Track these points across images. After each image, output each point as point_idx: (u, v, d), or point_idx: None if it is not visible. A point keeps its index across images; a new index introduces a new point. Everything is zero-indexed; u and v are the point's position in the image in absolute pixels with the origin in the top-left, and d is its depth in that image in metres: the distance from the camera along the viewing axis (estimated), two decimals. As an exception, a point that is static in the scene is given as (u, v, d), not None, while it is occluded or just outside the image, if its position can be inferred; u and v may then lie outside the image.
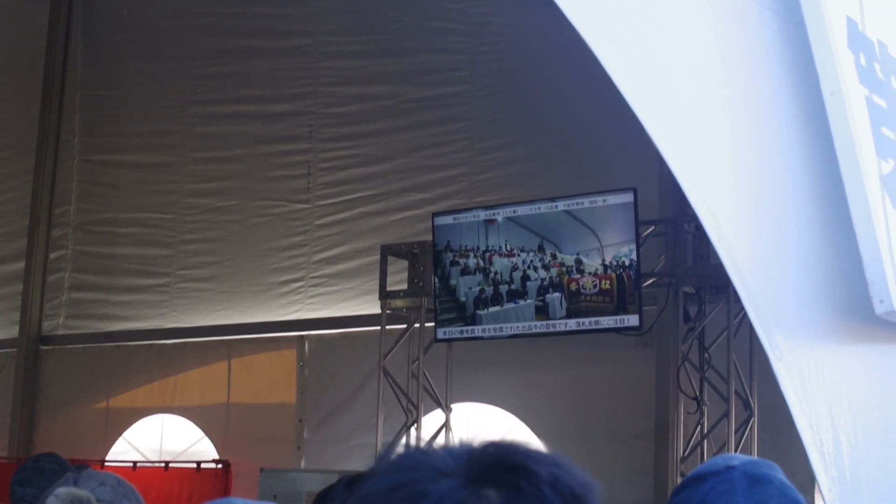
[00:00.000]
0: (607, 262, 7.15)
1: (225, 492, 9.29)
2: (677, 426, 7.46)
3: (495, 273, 7.56)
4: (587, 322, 7.23)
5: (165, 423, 10.43)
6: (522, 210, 7.52)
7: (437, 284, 7.81)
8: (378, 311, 8.32)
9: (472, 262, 7.65)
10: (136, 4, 11.24)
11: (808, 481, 3.48)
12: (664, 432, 7.55)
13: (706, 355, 7.29)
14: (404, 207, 9.27)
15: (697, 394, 7.30)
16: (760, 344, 2.83)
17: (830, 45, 3.13)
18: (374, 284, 8.45)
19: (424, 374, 8.15)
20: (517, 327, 7.48)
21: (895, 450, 3.24)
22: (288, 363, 9.77)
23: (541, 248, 7.42)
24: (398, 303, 8.26)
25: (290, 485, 8.35)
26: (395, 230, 9.11)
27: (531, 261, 7.44)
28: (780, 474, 2.25)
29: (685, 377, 7.37)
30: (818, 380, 2.93)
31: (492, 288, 7.56)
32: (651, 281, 7.44)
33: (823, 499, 2.91)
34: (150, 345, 10.54)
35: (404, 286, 8.24)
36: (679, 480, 6.24)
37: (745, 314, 2.94)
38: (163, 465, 9.94)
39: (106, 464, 9.93)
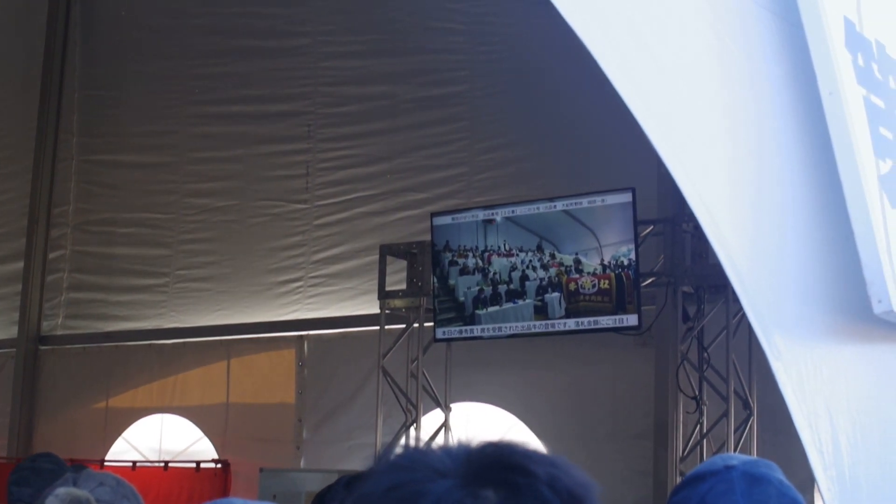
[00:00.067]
0: (606, 262, 7.15)
1: (224, 492, 9.29)
2: (676, 426, 7.47)
3: (494, 273, 7.56)
4: (586, 322, 7.23)
5: (165, 422, 10.44)
6: (521, 210, 7.53)
7: (436, 284, 7.81)
8: (377, 310, 8.32)
9: (470, 261, 7.66)
10: (134, 4, 11.24)
11: (807, 481, 3.48)
12: (663, 432, 7.55)
13: (705, 355, 7.29)
14: (403, 207, 9.27)
15: (696, 393, 7.31)
16: (759, 343, 2.83)
17: (828, 45, 3.13)
18: (373, 284, 8.45)
19: (423, 373, 8.15)
20: (516, 327, 7.49)
21: (894, 449, 3.24)
22: (287, 363, 9.77)
23: (539, 248, 7.42)
24: (397, 303, 8.26)
25: (290, 485, 8.35)
26: (394, 230, 9.11)
27: (530, 261, 7.44)
28: (779, 474, 2.25)
29: (684, 377, 7.37)
30: (817, 379, 2.93)
31: (491, 288, 7.56)
32: (650, 280, 7.44)
33: (822, 498, 2.91)
34: (150, 345, 10.54)
35: (403, 286, 8.24)
36: (678, 480, 6.25)
37: (744, 314, 2.94)
38: (162, 465, 9.95)
39: (105, 464, 9.93)
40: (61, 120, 11.51)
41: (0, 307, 11.63)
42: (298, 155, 9.95)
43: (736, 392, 7.11)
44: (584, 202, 7.28)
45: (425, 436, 8.10)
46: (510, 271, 7.51)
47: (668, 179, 2.83)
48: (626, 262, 7.08)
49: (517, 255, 7.49)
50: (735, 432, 7.02)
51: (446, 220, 7.83)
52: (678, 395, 7.44)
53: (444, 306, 7.76)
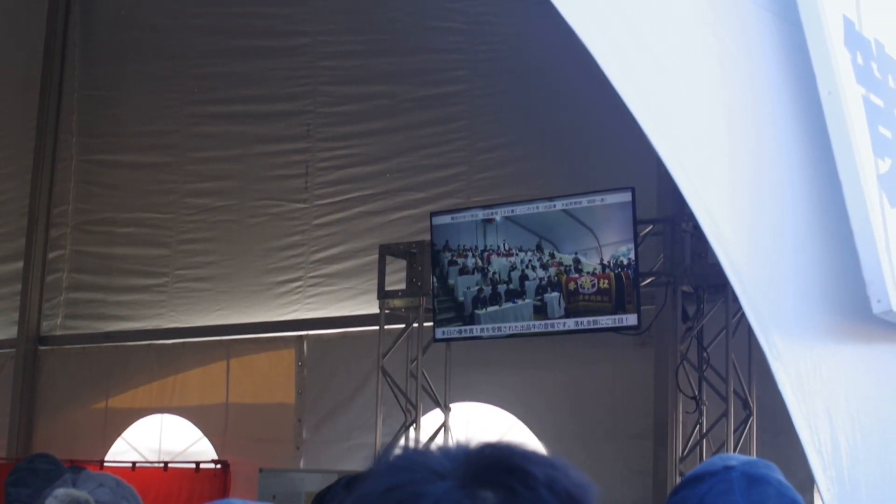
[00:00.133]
0: (605, 262, 7.15)
1: (224, 492, 9.29)
2: (676, 426, 7.47)
3: (494, 273, 7.56)
4: (585, 321, 7.23)
5: (164, 423, 10.43)
6: (521, 209, 7.52)
7: (436, 284, 7.81)
8: (376, 310, 8.32)
9: (470, 261, 7.65)
10: (134, 4, 11.23)
11: (806, 481, 3.48)
12: (663, 432, 7.55)
13: (705, 354, 7.28)
14: (402, 207, 9.27)
15: (696, 393, 7.30)
16: (759, 343, 2.83)
17: (827, 44, 3.13)
18: (373, 284, 8.45)
19: (423, 373, 8.15)
20: (516, 327, 7.48)
21: (893, 449, 3.24)
22: (286, 363, 9.77)
23: (539, 248, 7.42)
24: (396, 302, 8.26)
25: (290, 485, 8.35)
26: (394, 230, 9.11)
27: (529, 260, 7.44)
28: (778, 474, 2.25)
29: (684, 376, 7.37)
30: (816, 379, 2.93)
31: (490, 287, 7.56)
32: (649, 280, 7.44)
33: (822, 498, 2.91)
34: (149, 345, 10.54)
35: (403, 286, 8.24)
36: (678, 480, 6.25)
37: (744, 313, 2.94)
38: (162, 465, 9.94)
39: (105, 464, 9.94)
40: (61, 120, 11.51)
41: (-1, 307, 11.65)
42: (298, 154, 9.95)
43: (735, 392, 7.11)
44: (584, 202, 7.27)
45: (425, 436, 8.10)
46: (510, 271, 7.51)
47: (668, 179, 2.83)
48: (625, 262, 7.07)
49: (516, 254, 7.49)
50: (734, 432, 7.02)
51: (446, 219, 7.83)
52: (678, 395, 7.44)
53: (443, 306, 7.76)
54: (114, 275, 10.93)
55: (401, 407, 8.20)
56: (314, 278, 9.72)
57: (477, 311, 7.60)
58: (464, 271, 7.67)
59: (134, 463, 10.03)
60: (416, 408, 8.18)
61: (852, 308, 3.07)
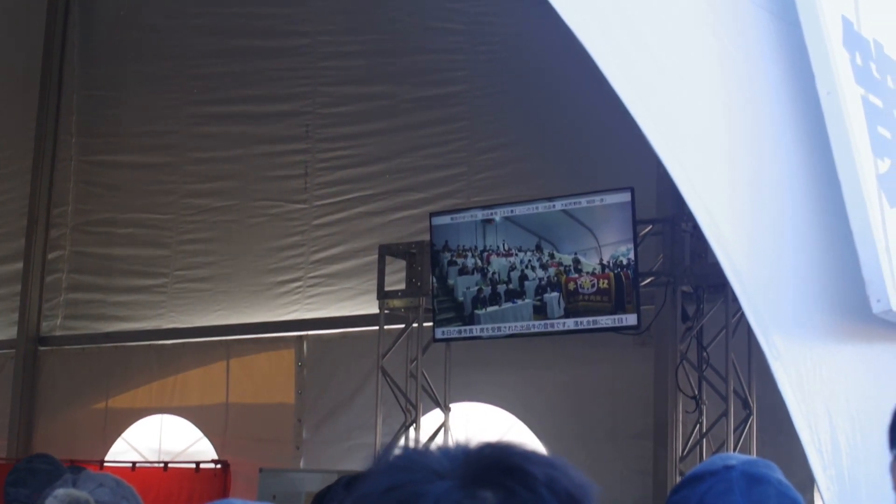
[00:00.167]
0: (605, 262, 7.15)
1: (224, 492, 9.29)
2: (676, 425, 7.46)
3: (493, 273, 7.56)
4: (585, 321, 7.23)
5: (164, 423, 10.43)
6: (520, 210, 7.52)
7: (435, 284, 7.81)
8: (376, 310, 8.32)
9: (469, 261, 7.66)
10: (133, 5, 11.23)
11: (806, 480, 3.48)
12: (663, 431, 7.55)
13: (704, 354, 7.29)
14: (402, 207, 9.27)
15: (696, 393, 7.30)
16: (759, 343, 2.83)
17: (826, 44, 3.13)
18: (372, 284, 8.45)
19: (423, 373, 8.15)
20: (515, 327, 7.49)
21: (893, 449, 3.23)
22: (286, 363, 9.77)
23: (538, 248, 7.42)
24: (396, 303, 8.26)
25: (289, 485, 8.35)
26: (393, 230, 9.11)
27: (529, 260, 7.44)
28: (778, 474, 2.25)
29: (683, 376, 7.37)
30: (816, 379, 2.93)
31: (490, 287, 7.56)
32: (649, 280, 7.44)
33: (822, 498, 2.91)
34: (149, 345, 10.54)
35: (402, 286, 8.24)
36: (678, 480, 6.24)
37: (744, 313, 2.94)
38: (162, 465, 9.95)
39: (105, 464, 9.94)
40: (60, 120, 11.51)
41: (-1, 308, 11.65)
42: (297, 155, 9.95)
43: (735, 392, 7.11)
44: (583, 202, 7.28)
45: (425, 436, 8.10)
46: (509, 271, 7.51)
47: (667, 179, 2.84)
48: (625, 262, 7.07)
49: (516, 254, 7.49)
50: (734, 432, 7.02)
51: (445, 219, 7.83)
52: (677, 395, 7.44)
53: (443, 306, 7.76)
54: (114, 275, 10.93)
55: (401, 407, 8.21)
56: (314, 278, 9.72)
57: (476, 312, 7.60)
58: (463, 271, 7.67)
59: (134, 463, 10.03)
60: (415, 408, 8.17)
61: (852, 308, 3.07)
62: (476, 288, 7.61)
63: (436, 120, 9.29)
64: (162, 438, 10.40)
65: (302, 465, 9.33)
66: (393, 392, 8.19)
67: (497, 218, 7.58)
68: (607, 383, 8.13)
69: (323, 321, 9.56)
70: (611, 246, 7.13)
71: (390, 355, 8.23)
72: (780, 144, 3.20)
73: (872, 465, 3.13)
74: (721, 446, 6.94)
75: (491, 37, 9.12)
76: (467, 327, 7.67)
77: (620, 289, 7.08)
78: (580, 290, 7.23)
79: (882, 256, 3.04)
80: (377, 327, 8.27)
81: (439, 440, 7.75)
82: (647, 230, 7.42)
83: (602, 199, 7.20)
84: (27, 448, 10.56)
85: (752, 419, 7.07)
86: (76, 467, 4.68)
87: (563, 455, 1.30)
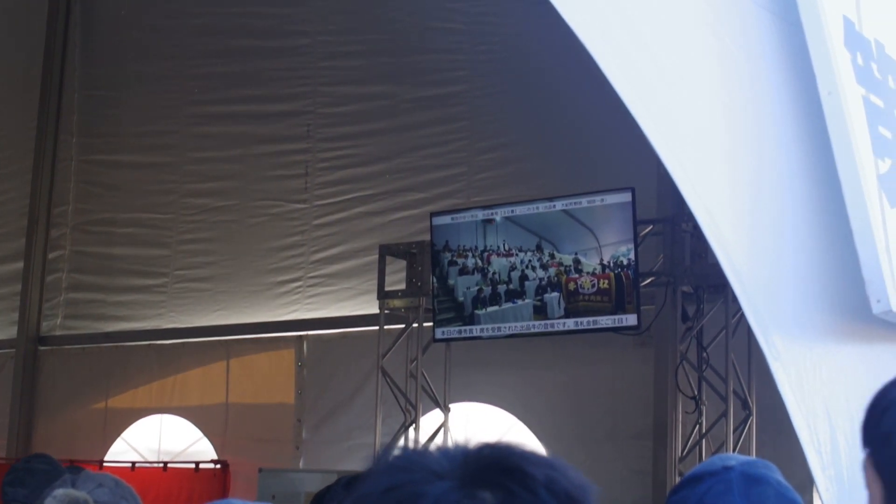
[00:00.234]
0: (605, 262, 7.15)
1: (224, 492, 9.29)
2: (676, 426, 7.47)
3: (493, 273, 7.56)
4: (585, 322, 7.23)
5: (164, 423, 10.43)
6: (520, 210, 7.52)
7: (436, 284, 7.81)
8: (376, 310, 8.32)
9: (470, 261, 7.65)
10: (134, 5, 11.23)
11: (806, 481, 3.48)
12: (662, 432, 7.55)
13: (704, 354, 7.29)
14: (402, 207, 9.27)
15: (696, 393, 7.30)
16: (759, 343, 2.83)
17: (827, 44, 3.13)
18: (373, 284, 8.45)
19: (423, 373, 8.15)
20: (515, 327, 7.48)
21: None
22: (286, 363, 9.77)
23: (539, 248, 7.42)
24: (396, 303, 8.26)
25: (289, 485, 8.35)
26: (393, 230, 9.11)
27: (529, 260, 7.44)
28: (777, 475, 2.25)
29: (683, 376, 7.37)
30: (815, 379, 2.93)
31: (490, 288, 7.56)
32: (649, 280, 7.44)
33: (821, 498, 2.91)
34: (149, 345, 10.54)
35: (402, 286, 8.24)
36: (677, 480, 6.24)
37: (744, 313, 2.94)
38: (161, 465, 9.95)
39: (104, 464, 9.93)
40: (61, 120, 11.51)
41: (-1, 307, 11.65)
42: (297, 155, 9.95)
43: (735, 392, 7.11)
44: (584, 202, 7.28)
45: (424, 436, 8.11)
46: (509, 271, 7.51)
47: (668, 179, 2.83)
48: (625, 262, 7.07)
49: (516, 254, 7.49)
50: (734, 432, 7.02)
51: (445, 219, 7.83)
52: (677, 395, 7.44)
53: (443, 306, 7.76)
54: (114, 275, 10.93)
55: (400, 407, 8.20)
56: (314, 278, 9.72)
57: (477, 312, 7.60)
58: (464, 271, 7.67)
59: (133, 463, 10.03)
60: (415, 408, 8.18)
61: (852, 308, 3.07)
62: (476, 288, 7.61)
63: (436, 120, 9.29)
64: (161, 438, 10.40)
65: (301, 465, 9.33)
66: (393, 392, 8.19)
67: (497, 218, 7.58)
68: (607, 383, 8.13)
69: (323, 321, 9.56)
70: (611, 246, 7.13)
71: (390, 355, 8.23)
72: (781, 144, 3.20)
73: (872, 465, 3.12)
74: (720, 447, 6.94)
75: (491, 37, 9.12)
76: (467, 327, 7.67)
77: (621, 289, 7.08)
78: (580, 291, 7.23)
79: (882, 257, 3.04)
80: (377, 327, 8.27)
81: (439, 440, 7.75)
82: (647, 230, 7.42)
83: (602, 200, 7.20)
84: (27, 448, 10.56)
85: (752, 420, 7.07)
86: (75, 467, 4.69)
87: (562, 455, 1.29)
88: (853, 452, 2.97)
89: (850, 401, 3.05)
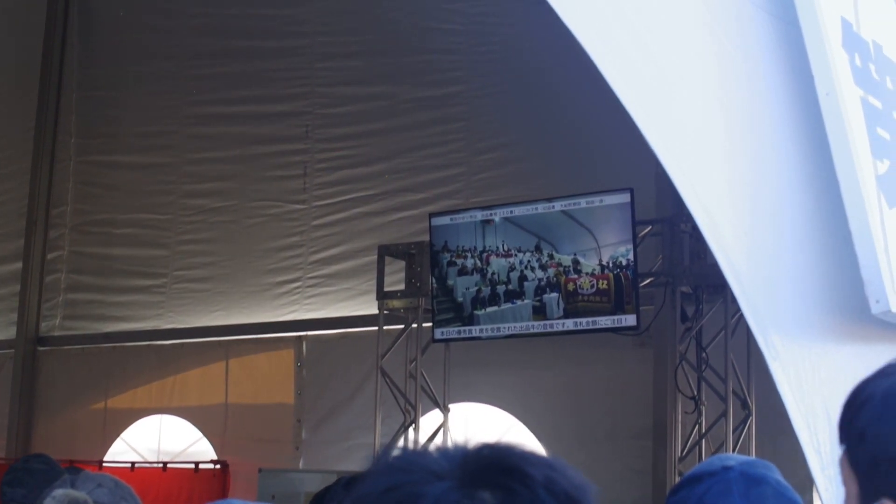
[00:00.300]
0: (604, 262, 7.15)
1: (223, 492, 9.29)
2: (675, 426, 7.47)
3: (493, 273, 7.56)
4: (584, 322, 7.23)
5: (163, 423, 10.43)
6: (519, 210, 7.53)
7: (435, 285, 7.81)
8: (375, 311, 8.32)
9: (469, 262, 7.66)
10: (132, 5, 11.23)
11: (805, 481, 3.48)
12: (662, 432, 7.55)
13: (704, 355, 7.29)
14: (401, 208, 9.27)
15: (695, 393, 7.31)
16: (758, 343, 2.83)
17: (825, 45, 3.13)
18: (372, 285, 8.45)
19: (422, 374, 8.15)
20: (515, 327, 7.49)
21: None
22: (286, 363, 9.77)
23: (538, 249, 7.42)
24: (395, 303, 8.26)
25: (289, 485, 8.35)
26: (392, 230, 9.11)
27: (528, 261, 7.44)
28: (776, 475, 2.25)
29: (683, 377, 7.37)
30: (814, 379, 2.93)
31: (489, 288, 7.56)
32: (648, 281, 7.44)
33: (821, 498, 2.91)
34: (148, 345, 10.54)
35: (402, 286, 8.24)
36: (677, 480, 6.24)
37: (743, 313, 2.94)
38: (161, 465, 9.95)
39: (104, 464, 9.94)
40: (59, 121, 11.51)
41: (-2, 308, 11.65)
42: (296, 155, 9.95)
43: (734, 392, 7.11)
44: (583, 202, 7.28)
45: (424, 436, 8.11)
46: (508, 272, 7.51)
47: (666, 180, 2.84)
48: (624, 263, 7.08)
49: (515, 255, 7.49)
50: (734, 432, 7.02)
51: (445, 220, 7.83)
52: (677, 396, 7.44)
53: (442, 307, 7.76)
54: (112, 276, 10.93)
55: (400, 407, 8.21)
56: (313, 279, 9.72)
57: (476, 312, 7.60)
58: (463, 272, 7.67)
59: (133, 463, 10.03)
60: (415, 408, 8.18)
61: (851, 308, 3.07)
62: (475, 288, 7.61)
63: (435, 120, 9.29)
64: (161, 439, 10.40)
65: (301, 465, 9.33)
66: (392, 392, 8.19)
67: (496, 218, 7.59)
68: (606, 384, 8.13)
69: (322, 321, 9.56)
70: (610, 246, 7.14)
71: (389, 356, 8.23)
72: (779, 145, 3.20)
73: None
74: (720, 447, 6.95)
75: (490, 37, 9.12)
76: (466, 328, 7.67)
77: (620, 289, 7.09)
78: (579, 291, 7.23)
79: (881, 257, 3.04)
80: (376, 328, 8.27)
81: (438, 441, 7.75)
82: (646, 231, 7.42)
83: (601, 200, 7.20)
84: (26, 448, 10.56)
85: (751, 420, 7.07)
86: (74, 468, 4.69)
87: (562, 455, 1.30)
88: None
89: (848, 401, 3.04)
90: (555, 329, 7.35)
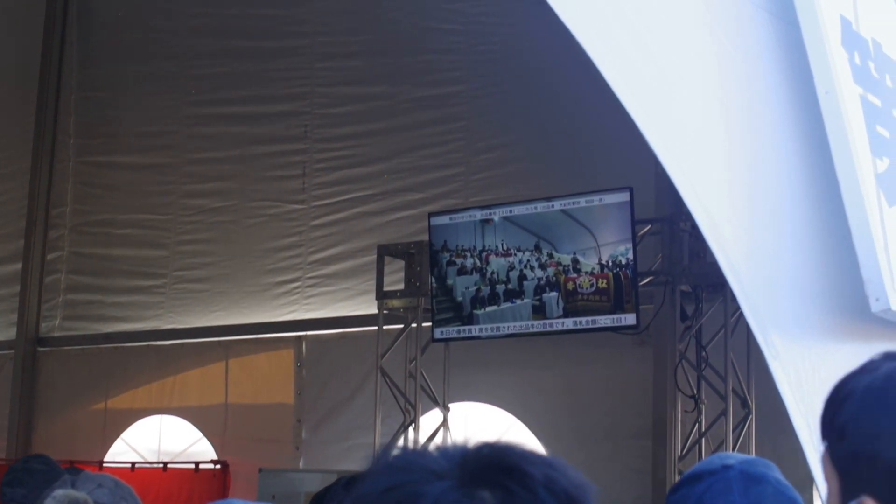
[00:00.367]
0: (604, 262, 7.15)
1: (223, 492, 9.29)
2: (675, 425, 7.46)
3: (492, 273, 7.56)
4: (584, 321, 7.23)
5: (164, 423, 10.43)
6: (519, 210, 7.53)
7: (434, 284, 7.81)
8: (375, 311, 8.32)
9: (468, 261, 7.66)
10: (131, 6, 11.23)
11: (805, 479, 3.48)
12: (662, 431, 7.55)
13: (703, 353, 7.29)
14: (400, 207, 9.27)
15: (695, 392, 7.31)
16: (758, 342, 2.83)
17: (824, 43, 3.13)
18: (371, 284, 8.45)
19: (422, 373, 8.16)
20: (514, 327, 7.49)
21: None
22: (285, 363, 9.77)
23: (537, 248, 7.42)
24: (395, 303, 8.26)
25: (289, 485, 8.35)
26: (392, 230, 9.11)
27: (528, 260, 7.44)
28: (776, 473, 2.25)
29: (682, 376, 7.37)
30: (814, 378, 2.93)
31: (489, 287, 7.56)
32: (648, 280, 7.44)
33: (820, 497, 2.91)
34: (148, 346, 10.54)
35: (401, 286, 8.24)
36: (677, 479, 6.24)
37: (742, 312, 2.94)
38: (161, 465, 9.95)
39: (104, 465, 9.94)
40: (59, 121, 11.51)
41: (-2, 309, 11.65)
42: (295, 155, 9.95)
43: (734, 391, 7.11)
44: (582, 202, 7.28)
45: (424, 436, 8.11)
46: (508, 271, 7.51)
47: (666, 178, 2.84)
48: (623, 262, 7.08)
49: (515, 254, 7.49)
50: (734, 431, 7.02)
51: (444, 220, 7.83)
52: (676, 394, 7.44)
53: (441, 306, 7.76)
54: (112, 276, 10.92)
55: (399, 407, 8.21)
56: (312, 279, 9.72)
57: (475, 311, 7.60)
58: (462, 271, 7.67)
59: (133, 463, 10.03)
60: (414, 408, 8.18)
61: (851, 307, 3.07)
62: (475, 288, 7.61)
63: (434, 120, 9.29)
64: (161, 439, 10.40)
65: (301, 465, 9.33)
66: (392, 392, 8.19)
67: (496, 218, 7.58)
68: (606, 383, 8.13)
69: (322, 321, 9.56)
70: (609, 245, 7.14)
71: (389, 355, 8.23)
72: (779, 144, 3.20)
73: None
74: (720, 445, 6.95)
75: (489, 37, 9.12)
76: (466, 327, 7.67)
77: (619, 288, 7.09)
78: (579, 290, 7.23)
79: (881, 255, 3.04)
80: (376, 327, 8.27)
81: (438, 440, 7.75)
82: (645, 230, 7.42)
83: (601, 199, 7.20)
84: (26, 449, 10.56)
85: (751, 418, 7.07)
86: (74, 468, 4.69)
87: (561, 455, 1.30)
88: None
89: (848, 399, 3.04)
90: (554, 328, 7.35)
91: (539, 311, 7.37)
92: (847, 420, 1.52)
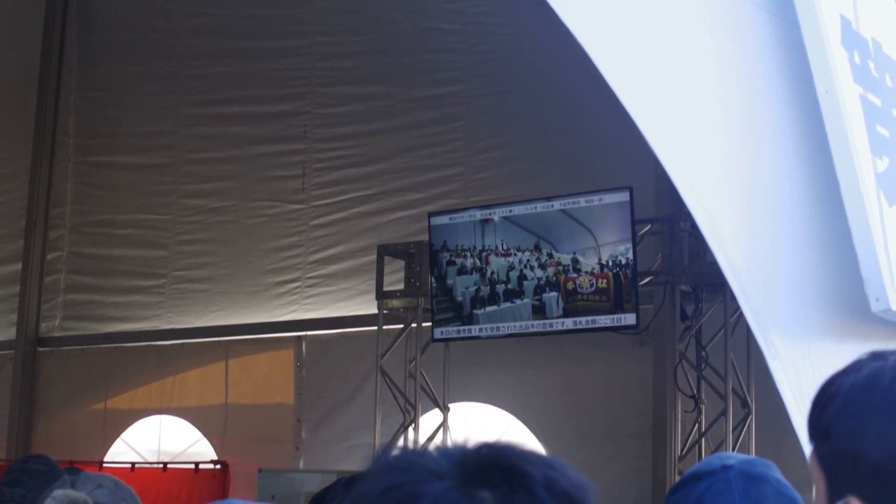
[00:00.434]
0: (604, 261, 7.15)
1: (223, 493, 9.29)
2: (675, 425, 7.46)
3: (492, 272, 7.56)
4: (584, 321, 7.23)
5: (163, 424, 10.43)
6: (518, 209, 7.52)
7: (434, 284, 7.81)
8: (375, 311, 8.32)
9: (468, 261, 7.66)
10: (131, 6, 11.23)
11: (806, 479, 3.47)
12: (662, 431, 7.55)
13: (703, 353, 7.29)
14: (400, 207, 9.27)
15: (695, 392, 7.30)
16: (757, 342, 2.83)
17: (824, 43, 3.13)
18: (371, 284, 8.45)
19: (422, 373, 8.16)
20: (514, 327, 7.49)
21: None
22: (285, 364, 9.77)
23: (537, 248, 7.42)
24: (395, 303, 8.26)
25: (289, 485, 8.35)
26: (392, 230, 9.11)
27: (528, 260, 7.44)
28: (776, 473, 2.25)
29: (682, 375, 7.37)
30: (814, 378, 2.92)
31: (488, 287, 7.56)
32: (648, 280, 7.44)
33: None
34: (148, 346, 10.54)
35: (401, 286, 8.24)
36: (677, 479, 6.24)
37: (742, 312, 2.94)
38: (161, 466, 9.95)
39: (104, 465, 9.94)
40: (58, 121, 11.51)
41: (-2, 309, 11.65)
42: (295, 155, 9.95)
43: (734, 391, 7.11)
44: (582, 201, 7.28)
45: (424, 436, 8.11)
46: (508, 271, 7.51)
47: (666, 178, 2.83)
48: (623, 262, 7.07)
49: (515, 254, 7.49)
50: (733, 431, 7.02)
51: (444, 219, 7.83)
52: (676, 394, 7.44)
53: (441, 306, 7.76)
54: (112, 276, 10.92)
55: (399, 407, 8.21)
56: (312, 279, 9.72)
57: (475, 311, 7.60)
58: (462, 271, 7.67)
59: (133, 464, 10.03)
60: (414, 408, 8.18)
61: (850, 307, 3.07)
62: (475, 288, 7.61)
63: (434, 120, 9.29)
64: (161, 439, 10.40)
65: (301, 465, 9.33)
66: (392, 392, 8.19)
67: (495, 218, 7.58)
68: (606, 383, 8.13)
69: (321, 321, 9.56)
70: (609, 245, 7.14)
71: (389, 355, 8.23)
72: (779, 143, 3.20)
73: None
74: (720, 445, 6.94)
75: (489, 37, 9.12)
76: (466, 327, 7.67)
77: (619, 288, 7.09)
78: (579, 290, 7.23)
79: (881, 255, 3.04)
80: (376, 327, 8.27)
81: (438, 440, 7.75)
82: (645, 230, 7.42)
83: (600, 199, 7.20)
84: (26, 449, 10.56)
85: (751, 418, 7.07)
86: (74, 468, 4.69)
87: (561, 455, 1.30)
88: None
89: (848, 399, 3.04)
90: (554, 328, 7.35)
91: (539, 311, 7.37)
92: (832, 420, 1.51)
